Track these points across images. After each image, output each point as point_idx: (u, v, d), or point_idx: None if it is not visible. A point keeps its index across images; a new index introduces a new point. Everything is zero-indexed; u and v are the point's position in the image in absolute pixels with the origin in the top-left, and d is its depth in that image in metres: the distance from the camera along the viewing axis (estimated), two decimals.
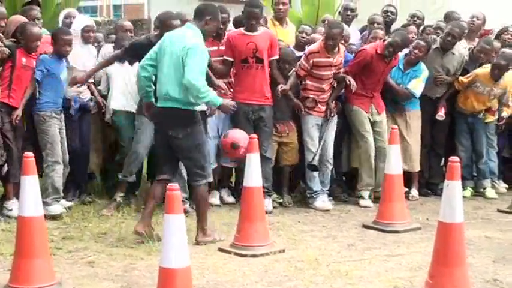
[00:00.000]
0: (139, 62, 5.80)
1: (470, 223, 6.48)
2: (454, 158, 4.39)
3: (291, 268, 5.02)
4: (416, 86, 7.33)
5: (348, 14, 8.32)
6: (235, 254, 5.30)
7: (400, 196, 6.33)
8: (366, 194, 7.25)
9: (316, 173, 7.05)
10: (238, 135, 6.01)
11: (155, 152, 6.38)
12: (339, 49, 6.99)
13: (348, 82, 6.96)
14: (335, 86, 7.15)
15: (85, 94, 6.84)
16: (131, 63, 6.70)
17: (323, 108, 7.04)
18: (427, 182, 7.83)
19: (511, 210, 6.94)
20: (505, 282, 4.74)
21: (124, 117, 6.92)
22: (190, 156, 5.57)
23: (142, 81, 5.69)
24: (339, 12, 8.57)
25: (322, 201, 7.05)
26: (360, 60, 7.09)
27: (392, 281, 4.78)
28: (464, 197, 7.31)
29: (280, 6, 7.89)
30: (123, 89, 6.91)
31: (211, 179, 5.80)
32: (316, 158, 6.96)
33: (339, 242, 5.80)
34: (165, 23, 6.24)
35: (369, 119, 7.23)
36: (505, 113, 7.66)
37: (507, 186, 8.01)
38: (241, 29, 6.82)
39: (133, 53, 6.36)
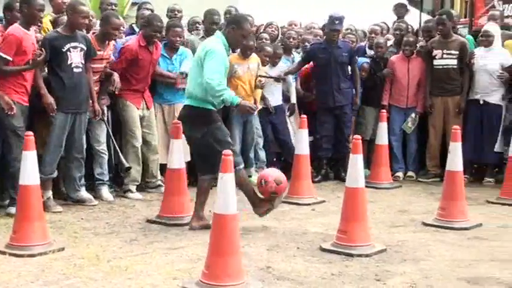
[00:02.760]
0: None
1: (251, 213, 6.77)
2: (227, 152, 4.56)
3: (70, 266, 4.94)
4: (188, 66, 7.57)
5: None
6: (11, 254, 5.11)
7: (183, 189, 6.45)
8: (133, 187, 7.43)
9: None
10: (270, 173, 6.15)
11: None
12: (108, 42, 7.10)
13: (113, 81, 7.10)
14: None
15: None
16: None
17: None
18: None
19: (287, 200, 7.29)
20: (277, 269, 5.00)
21: None
22: (206, 154, 5.91)
23: None
24: (100, 7, 8.49)
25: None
26: (127, 55, 7.26)
27: (171, 273, 4.87)
28: None
29: None
30: None
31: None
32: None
33: (122, 238, 5.79)
34: None
35: (139, 114, 7.44)
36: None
37: None
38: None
39: None
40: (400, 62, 8.84)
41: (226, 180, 4.49)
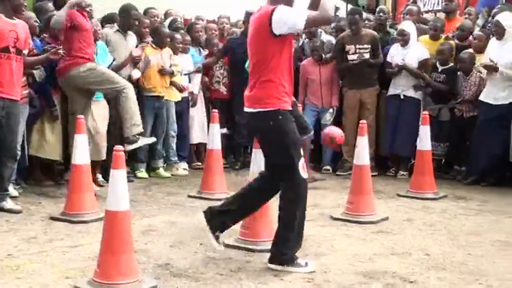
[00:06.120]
0: None
1: (161, 209, 6.70)
2: (118, 147, 4.43)
3: None
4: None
5: None
6: None
7: (88, 186, 6.29)
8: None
9: None
10: (335, 131, 7.51)
11: None
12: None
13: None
14: None
15: None
16: None
17: None
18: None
19: (199, 195, 7.24)
20: (175, 266, 4.89)
21: None
22: None
23: None
24: None
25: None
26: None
27: (65, 272, 4.71)
28: (141, 178, 7.99)
29: None
30: None
31: None
32: None
33: (20, 236, 5.60)
34: None
35: None
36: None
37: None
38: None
39: None
40: (311, 66, 9.00)
41: (117, 176, 4.36)
